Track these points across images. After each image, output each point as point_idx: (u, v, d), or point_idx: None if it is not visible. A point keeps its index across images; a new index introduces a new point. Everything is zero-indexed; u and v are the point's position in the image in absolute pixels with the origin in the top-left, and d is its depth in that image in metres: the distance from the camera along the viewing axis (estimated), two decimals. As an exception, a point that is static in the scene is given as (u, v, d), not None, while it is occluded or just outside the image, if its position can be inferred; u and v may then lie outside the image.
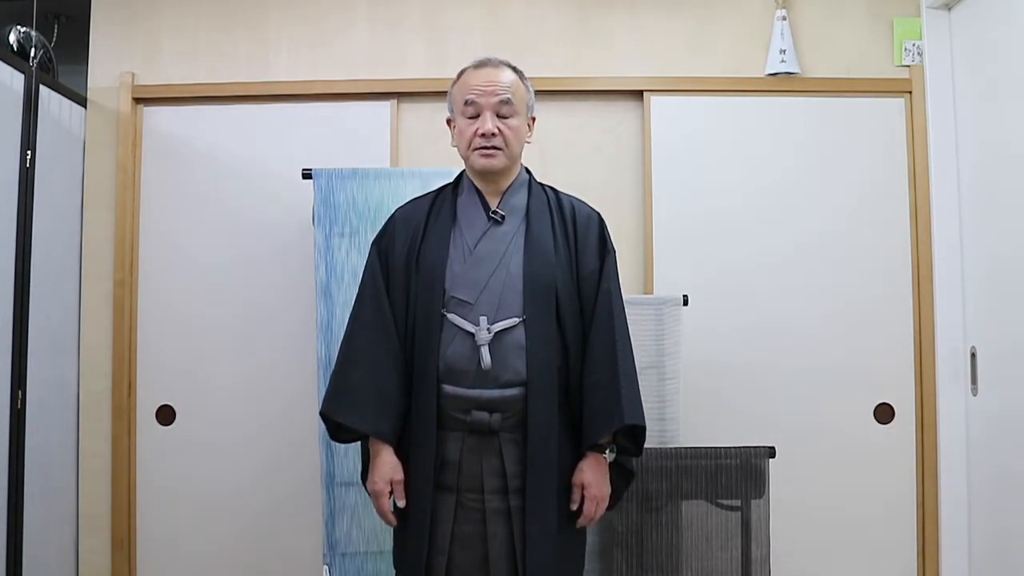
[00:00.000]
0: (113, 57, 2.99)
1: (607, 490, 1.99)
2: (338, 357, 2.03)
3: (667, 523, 2.46)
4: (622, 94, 2.96)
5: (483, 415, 1.92)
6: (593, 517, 1.98)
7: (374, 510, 2.03)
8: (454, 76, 2.11)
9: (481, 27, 2.98)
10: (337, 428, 2.01)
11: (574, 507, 1.97)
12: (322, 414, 2.02)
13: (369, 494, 2.00)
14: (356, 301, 2.06)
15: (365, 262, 2.10)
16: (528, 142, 2.10)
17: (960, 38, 2.81)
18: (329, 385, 2.03)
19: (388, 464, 1.96)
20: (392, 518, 1.99)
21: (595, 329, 1.99)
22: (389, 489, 1.96)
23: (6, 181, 2.64)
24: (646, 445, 2.02)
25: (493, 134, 1.99)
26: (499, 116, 2.01)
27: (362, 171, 2.59)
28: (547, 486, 1.92)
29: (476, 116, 2.01)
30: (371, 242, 2.12)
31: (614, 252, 2.08)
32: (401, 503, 1.96)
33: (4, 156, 2.63)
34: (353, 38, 2.99)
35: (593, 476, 1.96)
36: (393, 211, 2.15)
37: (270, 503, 2.88)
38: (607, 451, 1.98)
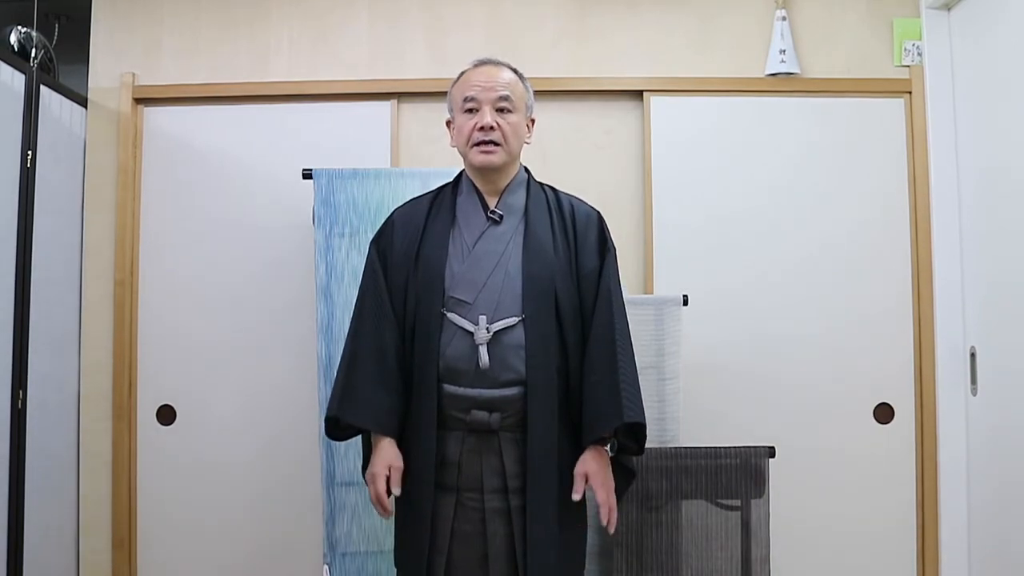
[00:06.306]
0: (113, 57, 3.00)
1: (611, 480, 1.97)
2: (343, 355, 2.02)
3: (667, 523, 2.46)
4: (622, 94, 2.96)
5: (482, 414, 1.93)
6: (609, 505, 1.95)
7: (374, 510, 2.02)
8: (454, 76, 2.11)
9: (481, 27, 2.99)
10: (335, 426, 2.00)
11: (576, 497, 1.95)
12: (330, 417, 2.00)
13: (367, 484, 1.99)
14: (357, 299, 2.06)
15: (365, 261, 2.10)
16: (527, 142, 2.10)
17: (960, 38, 2.81)
18: (336, 385, 2.01)
19: (391, 451, 1.96)
20: (388, 506, 1.96)
21: (595, 328, 1.98)
22: (387, 473, 1.94)
23: (6, 181, 2.64)
24: (646, 445, 2.02)
25: (492, 128, 1.99)
26: (498, 112, 2.01)
27: (362, 171, 2.59)
28: (547, 485, 1.92)
29: (475, 111, 2.02)
30: (370, 241, 2.12)
31: (614, 251, 2.07)
32: (396, 491, 1.94)
33: (4, 156, 2.63)
34: (353, 38, 2.99)
35: (596, 466, 1.95)
36: (392, 211, 2.16)
37: (270, 503, 2.89)
38: (608, 445, 1.98)
